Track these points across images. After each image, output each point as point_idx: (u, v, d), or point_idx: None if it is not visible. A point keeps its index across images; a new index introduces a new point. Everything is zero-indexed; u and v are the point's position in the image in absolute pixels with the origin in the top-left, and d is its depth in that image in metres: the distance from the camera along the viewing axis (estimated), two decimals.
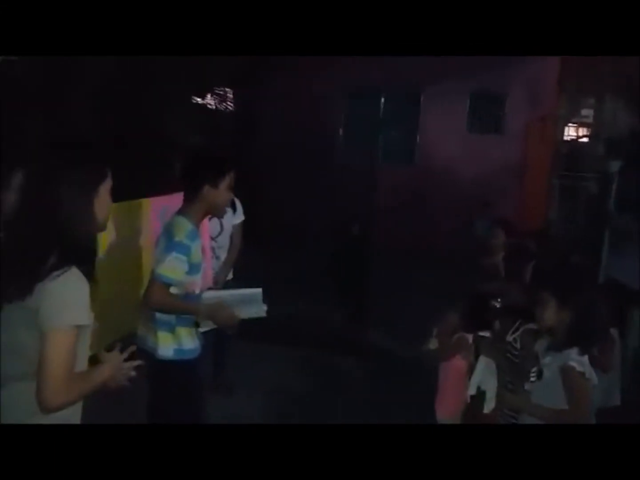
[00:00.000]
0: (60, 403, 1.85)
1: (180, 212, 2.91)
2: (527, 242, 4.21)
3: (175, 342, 2.90)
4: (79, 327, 1.89)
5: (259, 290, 3.03)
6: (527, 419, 2.87)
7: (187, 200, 2.91)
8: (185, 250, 2.79)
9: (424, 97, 9.15)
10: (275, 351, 5.46)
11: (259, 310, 3.01)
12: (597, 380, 2.77)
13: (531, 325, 3.06)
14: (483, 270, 4.73)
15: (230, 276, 4.64)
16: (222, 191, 2.90)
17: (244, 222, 4.71)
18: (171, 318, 2.88)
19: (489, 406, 3.27)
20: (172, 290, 2.84)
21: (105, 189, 2.06)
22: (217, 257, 4.54)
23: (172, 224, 2.87)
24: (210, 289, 3.74)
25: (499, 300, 3.51)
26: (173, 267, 2.77)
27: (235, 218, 4.65)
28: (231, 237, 4.63)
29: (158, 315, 2.88)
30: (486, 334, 3.34)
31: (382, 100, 9.38)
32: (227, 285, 4.24)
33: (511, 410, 3.07)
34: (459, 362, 3.93)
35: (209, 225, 4.39)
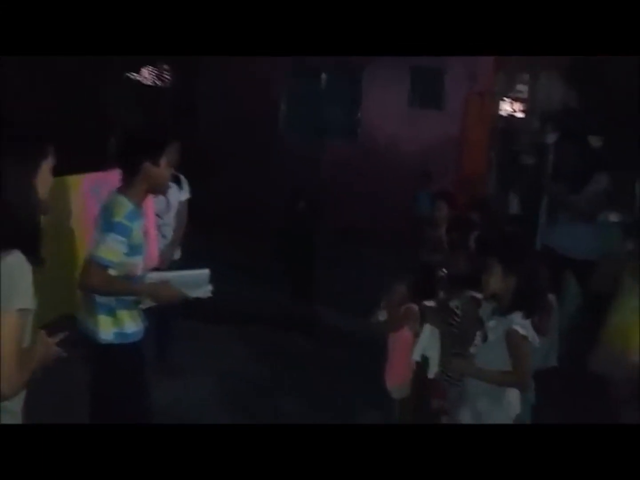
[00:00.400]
0: (15, 389, 1.83)
1: (120, 190, 2.79)
2: (469, 214, 4.35)
3: (116, 326, 2.81)
4: (24, 311, 1.87)
5: (206, 271, 2.95)
6: (472, 383, 3.02)
7: (126, 178, 2.80)
8: (125, 231, 2.68)
9: (366, 74, 9.21)
10: (222, 330, 5.44)
11: (205, 290, 2.94)
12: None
13: (472, 293, 3.20)
14: (428, 242, 4.87)
15: (177, 255, 4.61)
16: (162, 167, 2.80)
17: (190, 200, 4.67)
18: (111, 301, 2.79)
19: (432, 371, 3.41)
20: (111, 272, 2.73)
21: (47, 167, 2.01)
22: (164, 236, 4.49)
23: (111, 203, 2.76)
24: (156, 269, 3.72)
25: (444, 270, 3.64)
26: (111, 249, 2.66)
27: (181, 195, 4.60)
28: (177, 215, 4.58)
29: (97, 298, 2.79)
30: (431, 303, 3.46)
31: (324, 77, 9.38)
32: (174, 266, 4.20)
33: (456, 374, 3.20)
34: (406, 333, 4.04)
35: (156, 203, 4.36)
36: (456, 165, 8.62)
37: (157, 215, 4.40)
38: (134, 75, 9.02)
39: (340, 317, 5.96)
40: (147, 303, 2.90)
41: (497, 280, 2.89)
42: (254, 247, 6.64)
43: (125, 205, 2.73)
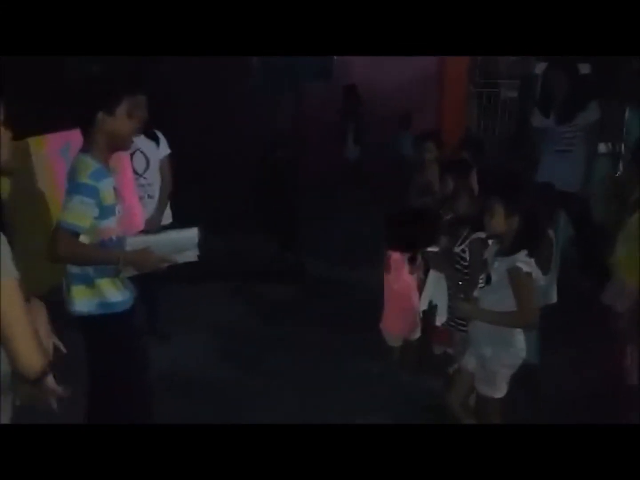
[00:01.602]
0: (41, 363, 1.68)
1: (83, 149, 2.62)
2: (462, 154, 4.22)
3: (96, 296, 2.65)
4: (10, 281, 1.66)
5: (194, 230, 2.75)
6: (476, 328, 2.97)
7: (86, 135, 2.62)
8: (90, 192, 2.49)
9: None
10: (209, 288, 5.32)
11: (191, 254, 2.75)
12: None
13: (479, 234, 3.11)
14: (416, 186, 4.74)
15: (168, 219, 4.44)
16: (120, 118, 2.60)
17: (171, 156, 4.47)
18: (87, 269, 2.62)
19: (441, 319, 3.35)
20: (83, 239, 2.55)
21: None
22: (151, 196, 4.31)
23: (75, 164, 2.58)
24: (145, 232, 3.54)
25: (444, 214, 3.54)
26: (78, 213, 2.47)
27: (160, 151, 4.40)
28: (160, 172, 4.39)
29: (70, 267, 2.63)
30: (434, 249, 3.37)
31: None
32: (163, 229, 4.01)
33: (461, 319, 3.15)
34: (404, 278, 4.00)
35: (135, 161, 4.17)
36: (435, 104, 8.40)
37: (137, 173, 4.22)
38: None
39: (328, 266, 5.88)
40: (129, 271, 2.70)
41: (499, 221, 2.81)
42: (235, 200, 6.45)
43: (88, 164, 2.55)
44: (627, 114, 5.16)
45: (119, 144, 2.70)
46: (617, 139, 5.31)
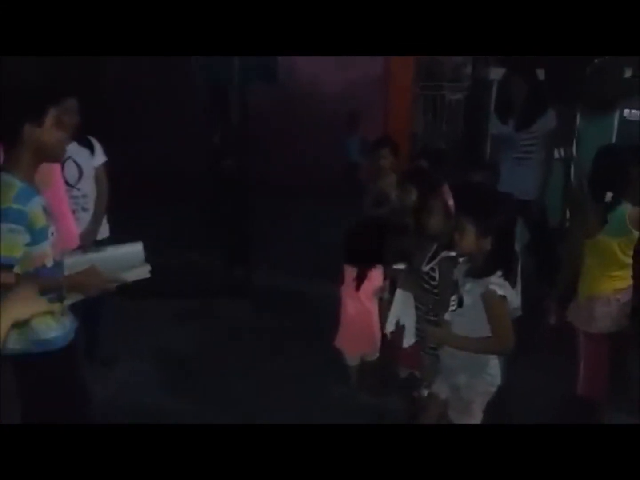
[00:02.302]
0: None
1: (3, 168, 2.28)
2: (420, 163, 4.04)
3: (29, 333, 2.32)
4: None
5: (139, 245, 2.53)
6: (449, 356, 2.77)
7: (7, 150, 2.29)
8: (19, 217, 2.20)
9: None
10: (156, 305, 4.93)
11: (141, 270, 2.49)
12: None
13: (448, 253, 2.92)
14: (371, 195, 4.53)
15: (105, 233, 4.08)
16: (48, 129, 2.29)
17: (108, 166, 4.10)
18: None
19: (408, 341, 3.16)
20: (16, 270, 2.23)
21: None
22: (85, 209, 3.94)
23: None
24: (81, 249, 3.21)
25: (404, 228, 3.34)
26: (8, 243, 2.18)
27: (94, 160, 4.03)
28: (95, 182, 4.02)
29: None
30: (400, 266, 3.16)
31: None
32: (100, 245, 3.67)
33: (433, 344, 2.95)
34: (362, 294, 3.79)
35: (66, 171, 3.78)
36: (383, 107, 8.25)
37: (70, 184, 3.84)
38: None
39: (279, 280, 5.57)
40: (73, 297, 2.41)
41: (470, 241, 2.61)
42: (181, 213, 6.06)
43: (11, 185, 2.22)
44: (578, 119, 5.11)
45: (49, 156, 2.38)
46: (568, 145, 5.25)
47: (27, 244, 2.23)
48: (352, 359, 3.90)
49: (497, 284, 2.57)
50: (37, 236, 2.27)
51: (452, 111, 8.04)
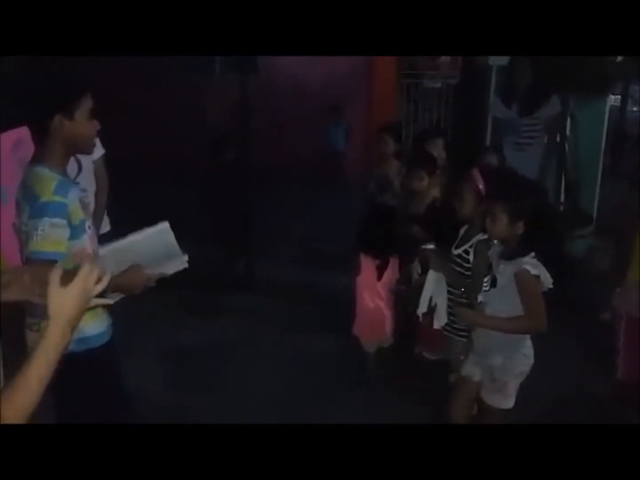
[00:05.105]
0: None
1: (36, 160, 2.18)
2: (427, 148, 3.99)
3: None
4: None
5: (165, 225, 2.39)
6: (483, 338, 2.76)
7: (39, 142, 2.19)
8: (60, 210, 2.09)
9: None
10: (158, 299, 4.81)
11: (179, 261, 2.35)
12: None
13: (482, 236, 2.90)
14: (375, 181, 4.48)
15: (106, 227, 3.93)
16: (81, 120, 2.19)
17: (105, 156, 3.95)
18: None
19: (440, 322, 3.13)
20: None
21: None
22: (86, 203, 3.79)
23: (30, 180, 2.14)
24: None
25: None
26: (54, 238, 2.05)
27: (93, 152, 3.87)
28: (95, 176, 3.87)
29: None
30: (431, 246, 3.11)
31: None
32: (102, 240, 3.54)
33: (465, 325, 2.92)
34: (377, 282, 3.75)
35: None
36: (366, 95, 8.20)
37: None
38: None
39: (283, 272, 5.46)
40: (115, 296, 2.24)
41: (503, 226, 2.60)
42: (179, 204, 5.88)
43: (48, 177, 2.12)
44: (571, 105, 5.13)
45: (82, 147, 2.30)
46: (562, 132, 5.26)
47: (69, 238, 2.13)
48: (370, 345, 3.87)
49: (530, 263, 2.57)
50: (76, 230, 2.16)
51: (441, 99, 8.03)
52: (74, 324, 1.44)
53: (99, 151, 3.91)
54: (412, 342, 3.90)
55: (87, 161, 3.82)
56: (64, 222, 2.09)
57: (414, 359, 3.90)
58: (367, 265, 3.73)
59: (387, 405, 3.47)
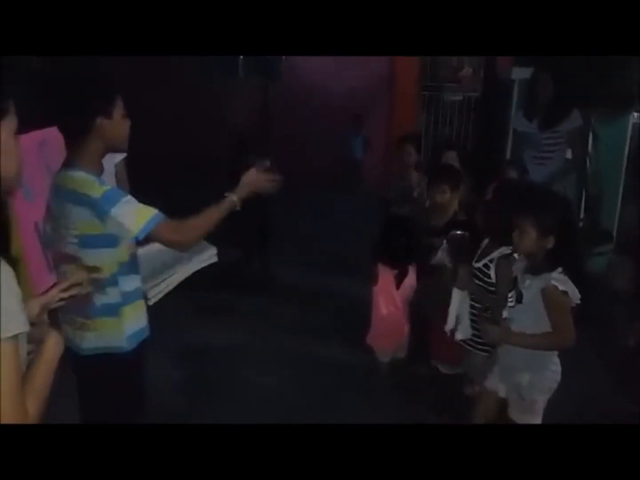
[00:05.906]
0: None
1: (71, 165, 2.14)
2: (447, 161, 3.99)
3: (119, 327, 2.20)
4: (18, 336, 1.32)
5: None
6: (510, 351, 2.72)
7: (74, 145, 2.16)
8: (117, 191, 2.14)
9: None
10: (177, 301, 4.82)
11: (209, 254, 2.41)
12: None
13: (504, 250, 2.87)
14: (395, 192, 4.48)
15: None
16: (118, 120, 2.19)
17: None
18: (116, 295, 2.17)
19: (465, 334, 3.11)
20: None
21: (7, 129, 1.41)
22: None
23: (70, 185, 2.10)
24: None
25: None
26: (139, 208, 2.11)
27: (115, 155, 3.90)
28: (116, 179, 3.90)
29: (98, 298, 2.14)
30: (459, 232, 3.10)
31: None
32: None
33: (492, 342, 2.88)
34: (399, 295, 3.74)
35: None
36: (387, 106, 8.20)
37: None
38: None
39: (298, 275, 5.48)
40: (158, 293, 2.30)
41: (531, 241, 2.57)
42: (201, 206, 5.93)
43: (89, 179, 2.10)
44: (593, 122, 5.09)
45: (118, 147, 2.29)
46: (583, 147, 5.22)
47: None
48: (384, 355, 3.85)
49: (558, 279, 2.53)
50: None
51: (462, 112, 8.02)
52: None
53: (120, 155, 3.95)
54: (427, 354, 3.88)
55: (109, 164, 3.85)
56: (129, 195, 2.13)
57: (429, 372, 3.86)
58: (385, 274, 3.70)
59: (398, 415, 3.45)
